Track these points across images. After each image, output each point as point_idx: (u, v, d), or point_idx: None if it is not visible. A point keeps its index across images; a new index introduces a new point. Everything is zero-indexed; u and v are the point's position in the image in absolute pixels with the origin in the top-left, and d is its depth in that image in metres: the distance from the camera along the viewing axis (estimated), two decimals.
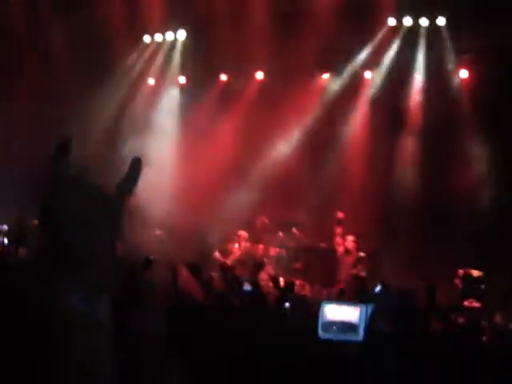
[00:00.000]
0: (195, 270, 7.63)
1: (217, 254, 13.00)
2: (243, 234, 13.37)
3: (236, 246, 13.34)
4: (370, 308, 2.69)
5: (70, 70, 14.29)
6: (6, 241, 13.52)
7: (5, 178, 13.53)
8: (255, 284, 8.75)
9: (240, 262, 12.79)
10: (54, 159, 4.15)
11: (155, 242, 13.22)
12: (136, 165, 4.24)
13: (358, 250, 12.38)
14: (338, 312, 4.22)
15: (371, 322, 2.96)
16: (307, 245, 13.47)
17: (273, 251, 13.42)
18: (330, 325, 4.23)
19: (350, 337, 3.74)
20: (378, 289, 9.87)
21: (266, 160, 13.92)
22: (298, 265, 13.06)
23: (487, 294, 10.67)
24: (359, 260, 12.14)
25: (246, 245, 13.33)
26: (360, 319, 3.72)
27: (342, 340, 4.12)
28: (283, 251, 13.35)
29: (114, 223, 4.21)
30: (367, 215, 12.90)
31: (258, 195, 13.62)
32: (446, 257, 11.47)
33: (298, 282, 11.40)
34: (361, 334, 3.19)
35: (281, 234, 13.64)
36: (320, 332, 4.04)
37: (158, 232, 13.66)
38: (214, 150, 13.91)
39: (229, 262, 12.60)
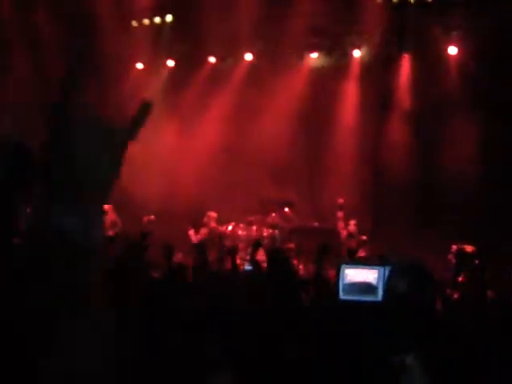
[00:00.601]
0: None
1: (190, 233, 12.95)
2: (212, 214, 13.30)
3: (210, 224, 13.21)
4: (388, 269, 2.77)
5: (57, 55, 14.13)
6: None
7: None
8: (255, 263, 8.73)
9: (209, 241, 12.77)
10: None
11: (148, 226, 13.21)
12: (144, 110, 4.33)
13: (359, 233, 12.44)
14: (357, 274, 4.34)
15: (389, 282, 3.04)
16: (300, 225, 13.49)
17: (265, 232, 13.47)
18: (351, 286, 4.35)
19: (369, 297, 3.90)
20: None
21: (256, 141, 13.89)
22: (291, 245, 13.07)
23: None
24: (361, 243, 12.17)
25: (214, 225, 13.25)
26: (378, 280, 3.85)
27: (361, 300, 4.25)
28: (276, 231, 13.38)
29: (115, 156, 4.29)
30: (358, 195, 12.96)
31: (249, 176, 13.61)
32: (439, 234, 11.52)
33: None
34: (380, 295, 3.33)
35: (273, 214, 13.67)
36: (341, 293, 4.17)
37: (150, 217, 13.62)
38: (204, 132, 13.92)
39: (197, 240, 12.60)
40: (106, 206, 12.79)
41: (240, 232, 13.69)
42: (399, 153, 13.05)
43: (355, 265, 4.61)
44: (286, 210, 13.58)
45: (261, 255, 10.82)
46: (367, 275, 4.28)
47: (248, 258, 12.86)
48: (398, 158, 12.98)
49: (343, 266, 4.58)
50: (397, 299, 3.29)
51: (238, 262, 12.45)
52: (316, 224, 13.55)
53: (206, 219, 13.24)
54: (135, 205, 13.27)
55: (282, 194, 13.55)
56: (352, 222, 12.56)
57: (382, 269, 4.15)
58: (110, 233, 12.44)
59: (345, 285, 4.39)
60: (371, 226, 12.78)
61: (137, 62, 15.19)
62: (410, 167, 12.83)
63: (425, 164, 12.79)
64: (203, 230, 13.10)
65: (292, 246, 13.02)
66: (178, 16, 14.64)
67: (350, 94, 13.91)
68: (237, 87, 14.45)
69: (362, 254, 11.72)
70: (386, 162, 13.18)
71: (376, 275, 4.25)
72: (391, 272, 3.07)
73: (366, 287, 4.13)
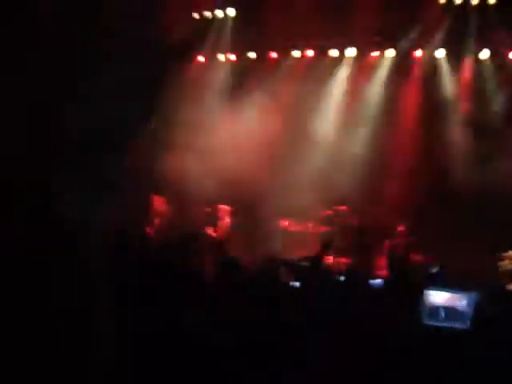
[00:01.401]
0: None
1: (209, 230, 12.98)
2: (224, 207, 13.36)
3: (225, 220, 13.28)
4: (476, 296, 2.75)
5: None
6: None
7: None
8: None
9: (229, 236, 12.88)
10: None
11: (205, 218, 13.44)
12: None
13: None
14: (444, 298, 4.27)
15: (477, 309, 3.03)
16: (356, 223, 13.58)
17: (322, 228, 13.60)
18: (436, 311, 4.28)
19: (457, 324, 3.81)
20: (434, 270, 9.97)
21: (315, 136, 14.00)
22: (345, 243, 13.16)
23: None
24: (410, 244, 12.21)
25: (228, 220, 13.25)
26: (469, 307, 3.80)
27: (449, 327, 4.17)
28: (331, 229, 13.49)
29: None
30: (413, 198, 13.03)
31: (309, 172, 13.72)
32: (490, 241, 11.49)
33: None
34: (468, 322, 3.27)
35: (330, 211, 13.77)
36: (425, 318, 4.09)
37: (207, 209, 13.83)
38: (263, 127, 13.99)
39: (220, 237, 12.78)
40: (155, 198, 13.14)
41: (294, 228, 13.85)
42: (457, 159, 13.02)
43: (439, 288, 4.56)
44: (344, 207, 13.66)
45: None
46: (455, 301, 4.18)
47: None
48: (455, 165, 12.96)
49: (426, 290, 4.51)
50: (487, 326, 3.33)
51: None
52: (371, 224, 13.62)
53: (220, 213, 13.28)
54: (193, 197, 13.51)
55: (340, 193, 13.59)
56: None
57: (470, 295, 4.10)
58: (155, 222, 12.75)
59: (428, 309, 4.30)
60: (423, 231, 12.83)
61: (198, 54, 15.29)
62: (465, 175, 12.77)
63: (480, 173, 12.68)
64: (220, 225, 13.17)
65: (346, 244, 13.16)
66: (241, 10, 14.69)
67: (411, 95, 13.88)
68: (298, 83, 14.51)
69: (416, 257, 11.80)
70: (443, 168, 13.14)
71: (465, 301, 4.18)
72: (479, 299, 3.08)
73: (454, 313, 4.07)
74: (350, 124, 14.18)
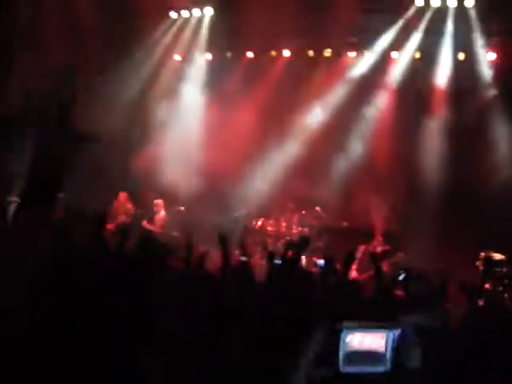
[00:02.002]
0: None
1: (144, 223, 13.09)
2: (159, 202, 13.30)
3: (161, 213, 13.29)
4: (397, 333, 2.36)
5: (97, 43, 14.22)
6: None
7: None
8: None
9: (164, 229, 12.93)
10: None
11: (177, 218, 13.39)
12: None
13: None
14: (361, 340, 3.57)
15: (397, 351, 2.64)
16: (330, 224, 13.54)
17: (295, 229, 13.55)
18: (354, 356, 3.58)
19: (375, 368, 3.15)
20: (401, 277, 9.85)
21: (290, 138, 13.95)
22: (319, 243, 13.12)
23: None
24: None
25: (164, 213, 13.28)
26: (387, 347, 3.19)
27: (367, 372, 3.47)
28: (306, 230, 13.44)
29: None
30: (391, 198, 12.98)
31: (282, 173, 13.68)
32: (469, 241, 11.48)
33: None
34: (388, 364, 2.75)
35: (304, 212, 13.73)
36: (341, 365, 3.40)
37: (180, 208, 13.80)
38: (238, 126, 13.95)
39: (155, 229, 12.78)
40: (121, 195, 13.08)
41: (269, 228, 13.80)
42: (434, 157, 13.00)
43: (359, 328, 3.76)
44: (317, 208, 13.61)
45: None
46: (373, 341, 3.46)
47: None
48: (433, 163, 12.93)
49: (344, 330, 3.72)
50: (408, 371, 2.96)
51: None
52: (345, 224, 13.58)
53: (156, 208, 13.26)
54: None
55: (314, 193, 13.55)
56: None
57: (390, 333, 3.45)
58: (120, 219, 12.68)
59: (346, 354, 3.55)
60: (400, 231, 12.78)
61: (175, 53, 15.24)
62: (443, 172, 12.73)
63: (458, 169, 12.64)
64: (158, 218, 13.18)
65: (321, 244, 13.10)
66: (218, 9, 14.64)
67: (387, 95, 13.85)
68: (273, 83, 14.46)
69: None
70: (420, 167, 13.10)
71: (383, 341, 3.52)
72: (400, 337, 2.70)
73: (374, 356, 3.37)
74: (326, 127, 14.10)
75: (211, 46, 14.98)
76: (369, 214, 12.96)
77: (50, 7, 13.52)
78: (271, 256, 6.52)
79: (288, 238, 13.15)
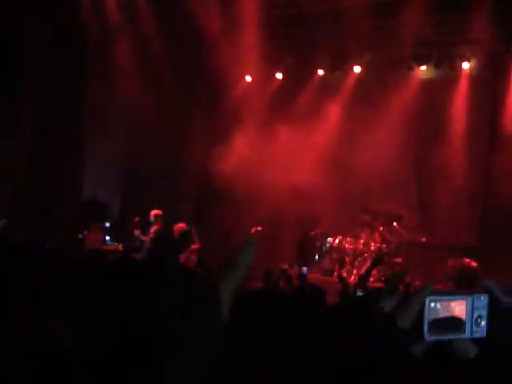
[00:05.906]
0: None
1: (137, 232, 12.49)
2: (158, 212, 12.31)
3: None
4: (481, 298, 2.24)
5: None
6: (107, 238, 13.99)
7: None
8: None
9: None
10: None
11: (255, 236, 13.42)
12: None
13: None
14: (444, 307, 3.55)
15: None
16: (408, 239, 13.39)
17: (373, 246, 13.45)
18: (437, 324, 3.56)
19: (456, 335, 3.09)
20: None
21: (366, 153, 13.87)
22: (398, 259, 13.01)
23: None
24: None
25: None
26: (467, 313, 3.05)
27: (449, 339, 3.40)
28: (384, 246, 13.34)
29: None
30: (466, 214, 12.80)
31: (360, 189, 13.63)
32: None
33: None
34: (468, 331, 2.65)
35: (381, 228, 13.61)
36: (426, 334, 3.30)
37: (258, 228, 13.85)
38: (313, 145, 13.96)
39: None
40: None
41: (347, 245, 13.73)
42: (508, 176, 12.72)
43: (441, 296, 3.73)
44: (395, 224, 13.48)
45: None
46: (454, 308, 3.45)
47: (354, 271, 12.93)
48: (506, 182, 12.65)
49: (428, 300, 3.67)
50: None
51: (345, 275, 12.55)
52: (424, 239, 13.41)
53: (152, 218, 12.43)
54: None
55: (391, 208, 13.45)
56: None
57: (470, 298, 3.32)
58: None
59: (430, 322, 3.54)
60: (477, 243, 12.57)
61: (245, 74, 15.38)
62: None
63: None
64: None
65: (399, 260, 12.98)
66: (288, 28, 14.69)
67: (459, 107, 13.66)
68: (345, 100, 14.45)
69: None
70: (495, 185, 12.85)
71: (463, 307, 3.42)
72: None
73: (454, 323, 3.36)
74: (399, 140, 13.98)
75: (281, 66, 15.05)
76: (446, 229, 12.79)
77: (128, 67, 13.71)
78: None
79: (366, 255, 13.09)
